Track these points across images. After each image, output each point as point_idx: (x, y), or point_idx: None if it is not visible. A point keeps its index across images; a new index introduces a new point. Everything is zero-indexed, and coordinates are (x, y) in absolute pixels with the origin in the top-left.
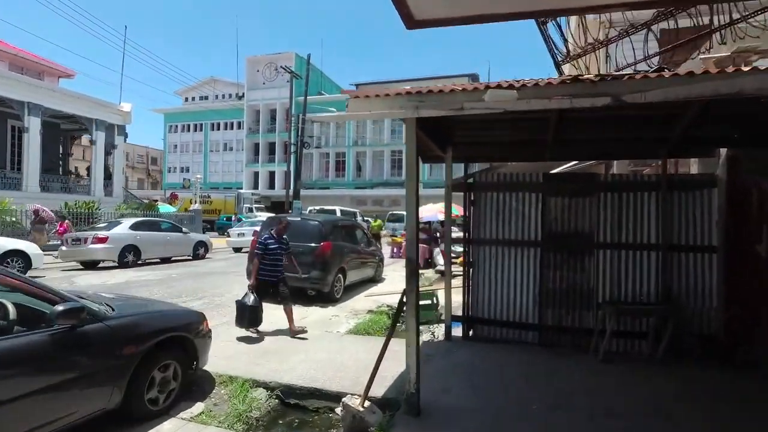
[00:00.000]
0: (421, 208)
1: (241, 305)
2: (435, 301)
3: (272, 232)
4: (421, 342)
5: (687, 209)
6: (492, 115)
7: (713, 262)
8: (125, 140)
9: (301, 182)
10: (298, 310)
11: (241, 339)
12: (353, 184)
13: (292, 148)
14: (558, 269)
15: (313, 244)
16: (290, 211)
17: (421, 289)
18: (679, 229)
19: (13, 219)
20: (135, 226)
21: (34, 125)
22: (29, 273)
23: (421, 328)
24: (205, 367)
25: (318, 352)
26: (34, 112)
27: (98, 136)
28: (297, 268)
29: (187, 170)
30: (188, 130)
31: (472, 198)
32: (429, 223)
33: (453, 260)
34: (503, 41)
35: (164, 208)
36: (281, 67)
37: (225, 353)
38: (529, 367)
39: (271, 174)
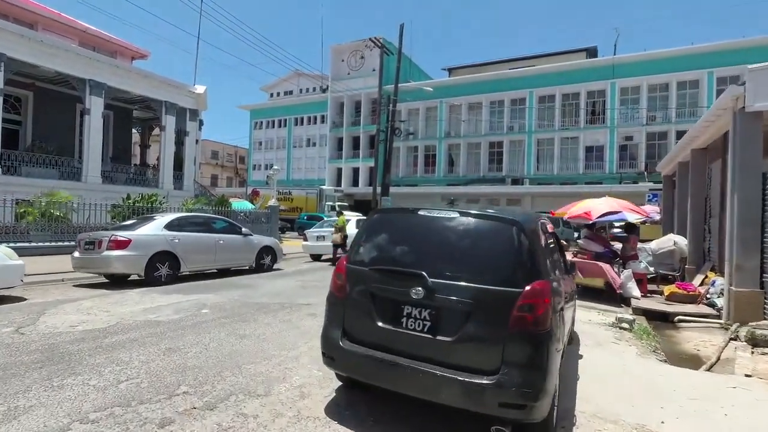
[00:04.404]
0: (586, 202)
1: None
2: None
3: None
4: None
5: None
6: None
7: None
8: (200, 128)
9: (389, 176)
10: None
11: None
12: (445, 181)
13: (381, 136)
14: None
15: (506, 288)
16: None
17: None
18: None
19: (59, 214)
20: (173, 225)
21: (96, 106)
22: None
23: None
24: None
25: None
26: (96, 91)
27: (168, 121)
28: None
29: (271, 167)
30: (273, 126)
31: None
32: (595, 226)
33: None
34: (623, 12)
35: (241, 204)
36: (371, 39)
37: None
38: None
39: (355, 170)
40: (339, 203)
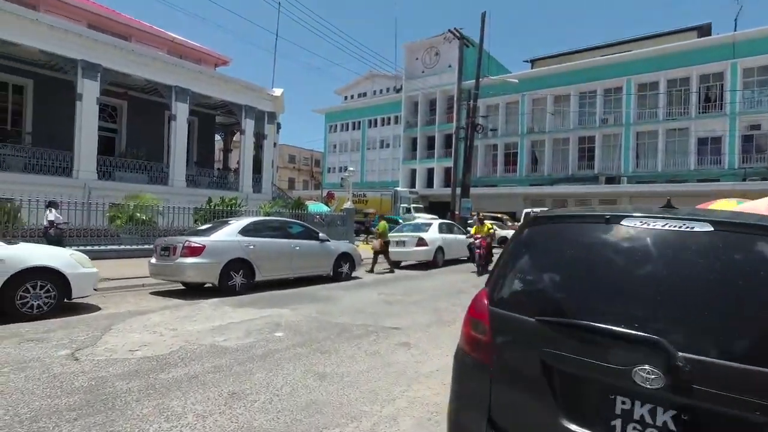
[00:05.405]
0: (730, 204)
1: None
2: None
3: None
4: None
5: None
6: None
7: None
8: (277, 131)
9: (470, 175)
10: None
11: None
12: (527, 181)
13: (460, 133)
14: None
15: None
16: (457, 213)
17: None
18: None
19: (145, 217)
20: (248, 230)
21: (181, 112)
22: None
23: None
24: None
25: None
26: (181, 97)
27: (247, 125)
28: None
29: (345, 170)
30: (347, 129)
31: None
32: None
33: None
34: None
35: (317, 206)
36: (450, 31)
37: None
38: None
39: (430, 171)
40: (414, 205)
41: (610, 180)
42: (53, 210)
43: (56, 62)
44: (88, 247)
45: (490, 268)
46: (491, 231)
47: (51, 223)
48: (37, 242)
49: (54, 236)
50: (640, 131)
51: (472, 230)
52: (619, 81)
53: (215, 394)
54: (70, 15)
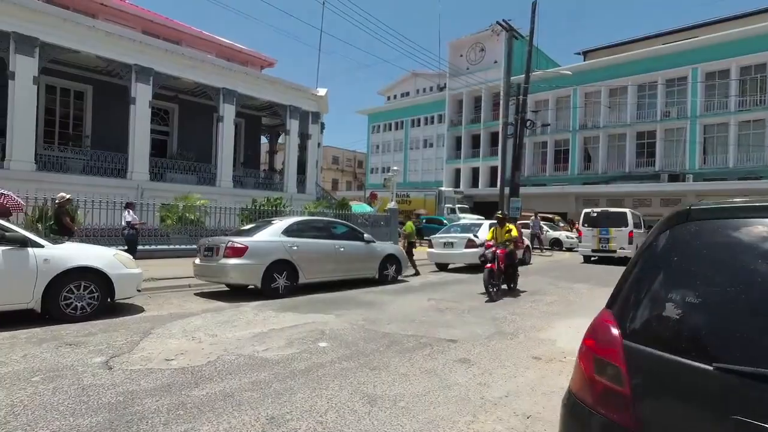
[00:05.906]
0: None
1: None
2: None
3: None
4: None
5: None
6: None
7: None
8: (321, 131)
9: (519, 174)
10: None
11: None
12: (580, 179)
13: (509, 130)
14: None
15: None
16: (503, 213)
17: None
18: None
19: (193, 217)
20: (291, 230)
21: (228, 114)
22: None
23: None
24: None
25: None
26: (228, 98)
27: (292, 125)
28: None
29: (388, 170)
30: (390, 129)
31: None
32: None
33: None
34: None
35: (360, 207)
36: (498, 23)
37: None
38: None
39: (474, 170)
40: (459, 205)
41: (674, 178)
42: (130, 211)
43: (112, 68)
44: (140, 247)
45: (519, 287)
46: (514, 236)
47: (128, 223)
48: (102, 243)
49: (128, 236)
50: (707, 124)
51: (487, 235)
52: (684, 70)
53: (251, 418)
54: (126, 22)
